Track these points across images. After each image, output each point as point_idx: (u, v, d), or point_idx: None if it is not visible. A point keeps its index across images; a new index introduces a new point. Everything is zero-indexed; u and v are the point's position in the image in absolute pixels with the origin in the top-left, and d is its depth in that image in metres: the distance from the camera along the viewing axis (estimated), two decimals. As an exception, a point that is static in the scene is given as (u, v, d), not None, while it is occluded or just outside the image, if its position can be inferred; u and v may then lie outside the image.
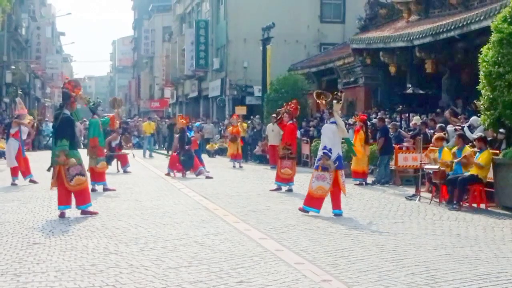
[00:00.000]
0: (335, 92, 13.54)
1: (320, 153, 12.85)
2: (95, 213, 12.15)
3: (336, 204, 12.75)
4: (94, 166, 16.42)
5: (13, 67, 50.72)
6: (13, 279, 7.29)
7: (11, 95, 51.35)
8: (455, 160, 14.63)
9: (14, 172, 18.18)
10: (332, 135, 12.80)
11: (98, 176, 16.61)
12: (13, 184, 17.76)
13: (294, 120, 17.59)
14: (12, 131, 18.71)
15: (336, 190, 12.78)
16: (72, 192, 12.09)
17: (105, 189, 16.48)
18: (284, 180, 17.16)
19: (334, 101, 12.94)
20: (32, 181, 18.33)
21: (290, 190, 16.91)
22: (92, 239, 9.70)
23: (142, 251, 8.90)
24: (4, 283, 7.11)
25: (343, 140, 13.91)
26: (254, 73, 40.44)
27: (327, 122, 13.55)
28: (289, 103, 17.91)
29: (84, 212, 12.10)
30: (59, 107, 12.40)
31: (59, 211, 12.04)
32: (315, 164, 13.09)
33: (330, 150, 12.65)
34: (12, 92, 51.57)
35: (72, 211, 12.21)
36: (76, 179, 12.04)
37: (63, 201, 12.02)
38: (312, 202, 12.75)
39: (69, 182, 11.99)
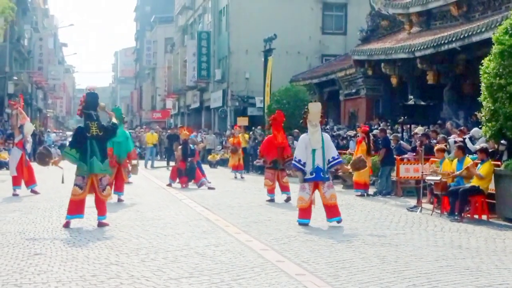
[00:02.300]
0: (306, 106, 13.60)
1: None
2: (107, 225, 12.21)
3: (328, 214, 12.74)
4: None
5: (15, 77, 50.77)
6: (14, 289, 7.29)
7: (13, 101, 51.38)
8: (457, 173, 14.62)
9: (15, 181, 18.10)
10: (303, 146, 12.85)
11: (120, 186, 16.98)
12: (14, 194, 17.69)
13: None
14: (16, 140, 18.72)
15: (322, 201, 12.80)
16: (102, 201, 12.23)
17: (119, 200, 16.58)
18: (269, 191, 17.38)
19: (306, 111, 13.03)
20: (33, 191, 18.25)
21: (288, 200, 16.93)
22: (93, 250, 9.69)
23: (143, 261, 8.89)
24: (5, 293, 7.11)
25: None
26: (256, 84, 40.52)
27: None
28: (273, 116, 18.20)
29: (101, 224, 12.13)
30: (95, 118, 12.44)
31: (65, 221, 12.06)
32: None
33: (299, 161, 12.72)
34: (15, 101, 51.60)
35: (74, 222, 12.20)
36: (107, 189, 12.40)
37: (74, 211, 12.06)
38: (300, 213, 12.79)
39: (101, 192, 12.22)
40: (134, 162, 16.93)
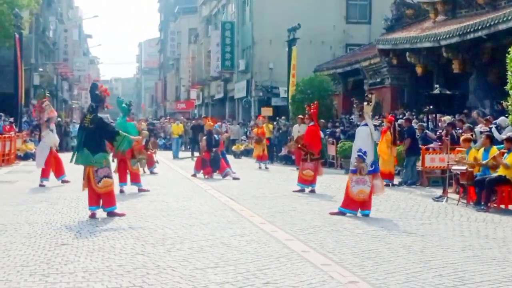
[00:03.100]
0: (366, 94, 13.48)
1: (355, 155, 12.78)
2: (123, 215, 12.20)
3: (365, 204, 12.72)
4: (131, 168, 16.73)
5: (40, 69, 51.17)
6: (41, 279, 7.35)
7: (39, 97, 51.81)
8: (483, 162, 14.51)
9: (44, 173, 18.29)
10: (366, 138, 12.74)
11: (134, 177, 16.83)
12: (41, 185, 17.87)
13: (321, 121, 17.57)
14: (44, 133, 18.89)
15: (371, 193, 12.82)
16: (101, 193, 12.15)
17: (140, 190, 16.60)
18: (306, 182, 17.13)
19: (365, 103, 12.87)
20: (64, 181, 18.53)
21: (312, 191, 16.88)
22: (119, 240, 9.75)
23: (169, 252, 8.93)
24: (32, 283, 7.17)
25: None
26: (280, 74, 40.44)
27: (358, 125, 13.32)
28: (311, 104, 17.91)
29: (110, 214, 12.16)
30: (91, 110, 12.43)
31: (89, 212, 12.13)
32: (351, 168, 12.99)
33: (365, 153, 12.60)
34: (40, 94, 52.03)
35: (100, 212, 12.28)
36: (103, 181, 12.12)
37: (94, 202, 12.12)
38: (351, 204, 12.74)
39: (97, 184, 12.07)
40: (142, 156, 17.02)
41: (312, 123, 17.37)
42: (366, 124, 12.78)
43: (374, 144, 12.97)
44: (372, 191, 12.78)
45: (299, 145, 17.70)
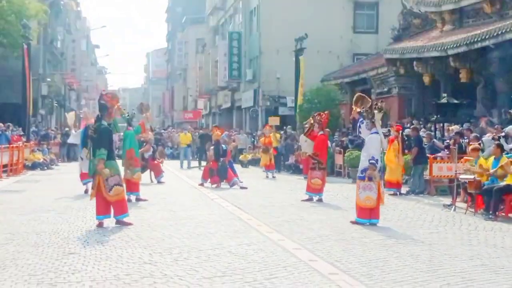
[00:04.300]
0: (376, 102, 13.46)
1: (366, 163, 12.71)
2: (130, 224, 12.21)
3: (373, 213, 12.71)
4: (131, 177, 16.64)
5: (48, 79, 51.33)
6: (49, 288, 7.36)
7: (47, 107, 52.00)
8: (491, 171, 14.48)
9: (84, 176, 18.33)
10: (378, 146, 12.74)
11: (132, 187, 16.76)
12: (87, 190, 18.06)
13: (326, 130, 17.55)
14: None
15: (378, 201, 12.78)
16: (110, 202, 12.18)
17: (137, 199, 16.60)
18: (315, 191, 17.13)
19: (375, 111, 12.81)
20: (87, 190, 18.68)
21: (320, 200, 16.87)
22: (127, 249, 9.76)
23: (176, 261, 8.93)
24: (40, 292, 7.18)
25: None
26: (287, 84, 40.45)
27: (369, 132, 12.95)
28: (319, 113, 17.91)
29: (119, 222, 12.18)
30: (96, 119, 12.53)
31: (97, 221, 12.14)
32: (359, 175, 12.94)
33: (377, 160, 12.60)
34: (48, 104, 52.21)
35: (106, 221, 12.30)
36: (114, 189, 12.15)
37: (102, 211, 12.13)
38: (361, 213, 12.74)
39: (108, 193, 12.09)
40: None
41: (321, 132, 17.43)
42: (376, 132, 12.75)
43: (382, 152, 12.98)
44: (379, 200, 12.75)
45: (311, 154, 17.68)
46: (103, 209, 12.14)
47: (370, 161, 12.57)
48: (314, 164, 17.30)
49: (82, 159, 18.43)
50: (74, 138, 19.65)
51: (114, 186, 12.17)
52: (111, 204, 12.22)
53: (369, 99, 13.27)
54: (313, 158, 17.42)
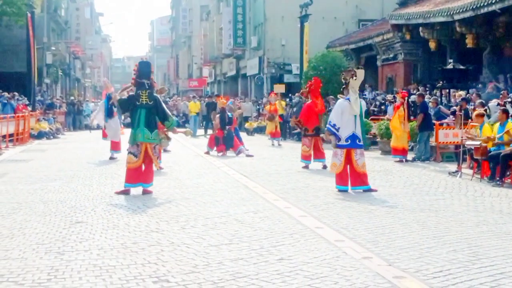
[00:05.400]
0: (353, 68, 13.43)
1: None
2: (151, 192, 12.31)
3: (353, 181, 12.65)
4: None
5: (53, 48, 51.22)
6: (56, 257, 7.40)
7: (52, 76, 51.95)
8: (497, 136, 14.43)
9: (116, 146, 19.30)
10: (340, 111, 12.70)
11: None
12: (112, 158, 19.01)
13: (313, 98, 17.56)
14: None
15: (351, 168, 12.69)
16: (152, 169, 12.52)
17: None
18: (305, 158, 17.31)
19: (351, 78, 12.79)
20: (112, 158, 19.29)
21: (324, 167, 16.86)
22: (134, 218, 9.79)
23: (183, 229, 8.96)
24: (48, 261, 7.22)
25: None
26: (292, 51, 40.28)
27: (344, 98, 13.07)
28: (311, 82, 18.05)
29: (146, 191, 12.24)
30: (146, 87, 12.41)
31: (124, 188, 12.22)
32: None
33: (334, 125, 12.62)
34: (53, 73, 52.16)
35: (113, 191, 12.34)
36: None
37: (132, 179, 12.20)
38: (337, 179, 12.78)
39: (157, 160, 12.72)
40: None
41: (309, 100, 17.62)
42: (348, 98, 12.73)
43: (355, 117, 12.74)
44: (353, 167, 12.66)
45: (295, 120, 18.05)
46: (134, 177, 12.20)
47: (327, 126, 12.71)
48: (302, 131, 17.58)
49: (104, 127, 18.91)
50: (98, 116, 19.54)
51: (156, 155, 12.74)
52: (149, 172, 12.38)
53: (354, 70, 13.18)
54: (297, 125, 17.69)
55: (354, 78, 12.70)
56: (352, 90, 12.72)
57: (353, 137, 12.62)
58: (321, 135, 12.62)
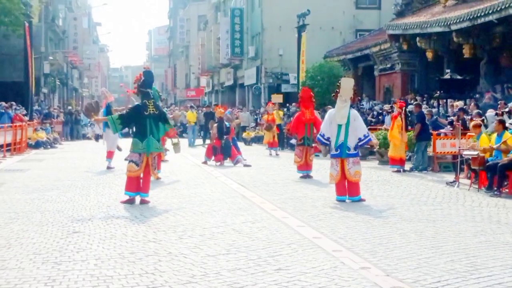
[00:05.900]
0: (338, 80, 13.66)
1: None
2: (148, 202, 12.32)
3: (349, 191, 12.66)
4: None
5: (50, 57, 51.26)
6: (54, 267, 7.38)
7: (49, 85, 51.95)
8: (495, 146, 14.45)
9: (110, 154, 19.50)
10: (329, 121, 12.84)
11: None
12: (109, 167, 19.03)
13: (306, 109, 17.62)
14: None
15: (346, 178, 12.72)
16: (149, 179, 12.50)
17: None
18: (299, 167, 17.37)
19: (338, 85, 13.00)
20: (109, 167, 19.30)
21: (304, 177, 16.97)
22: (131, 227, 9.78)
23: (180, 239, 8.95)
24: (45, 271, 7.20)
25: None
26: (290, 61, 40.38)
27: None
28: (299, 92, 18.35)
29: (143, 201, 12.23)
30: (150, 97, 12.58)
31: (126, 197, 12.24)
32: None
33: (323, 135, 12.74)
34: (50, 83, 52.15)
35: (110, 200, 12.31)
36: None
37: (132, 188, 12.23)
38: (336, 190, 12.81)
39: (154, 170, 12.61)
40: (175, 140, 16.68)
41: (299, 110, 18.01)
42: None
43: (339, 127, 12.69)
44: (345, 176, 12.68)
45: (287, 130, 18.46)
46: (134, 185, 12.24)
47: (318, 136, 12.93)
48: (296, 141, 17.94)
49: (101, 137, 19.06)
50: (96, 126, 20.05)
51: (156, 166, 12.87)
52: (146, 181, 12.38)
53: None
54: (288, 134, 18.09)
55: (338, 89, 12.87)
56: (340, 99, 12.78)
57: (341, 146, 12.64)
58: (313, 145, 12.76)
